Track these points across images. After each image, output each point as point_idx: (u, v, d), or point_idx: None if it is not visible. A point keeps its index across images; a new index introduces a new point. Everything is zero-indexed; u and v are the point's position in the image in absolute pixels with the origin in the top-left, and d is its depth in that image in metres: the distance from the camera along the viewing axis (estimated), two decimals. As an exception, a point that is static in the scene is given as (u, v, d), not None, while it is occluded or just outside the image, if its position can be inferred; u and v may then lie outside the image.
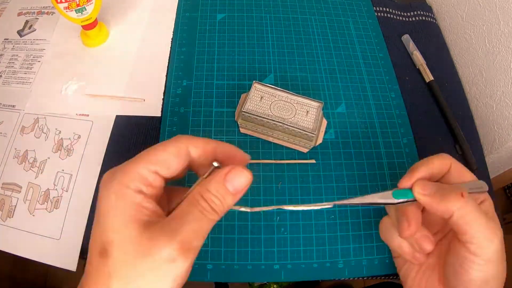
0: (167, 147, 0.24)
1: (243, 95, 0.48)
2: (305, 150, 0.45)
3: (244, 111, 0.43)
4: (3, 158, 0.44)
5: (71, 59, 0.51)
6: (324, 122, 0.47)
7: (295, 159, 0.45)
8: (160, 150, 0.24)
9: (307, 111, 0.44)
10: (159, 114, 0.47)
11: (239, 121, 0.45)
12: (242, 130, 0.46)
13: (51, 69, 0.50)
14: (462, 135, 0.47)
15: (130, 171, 0.22)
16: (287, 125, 0.43)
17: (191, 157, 0.25)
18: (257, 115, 0.43)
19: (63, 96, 0.48)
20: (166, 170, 0.23)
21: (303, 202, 0.42)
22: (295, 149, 0.45)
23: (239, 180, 0.23)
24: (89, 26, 0.49)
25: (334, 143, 0.46)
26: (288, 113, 0.44)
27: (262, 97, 0.45)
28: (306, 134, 0.43)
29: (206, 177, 0.24)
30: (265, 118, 0.43)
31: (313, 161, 0.45)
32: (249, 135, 0.46)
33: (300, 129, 0.42)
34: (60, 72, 0.50)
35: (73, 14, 0.46)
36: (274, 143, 0.45)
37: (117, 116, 0.47)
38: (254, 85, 0.45)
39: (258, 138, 0.46)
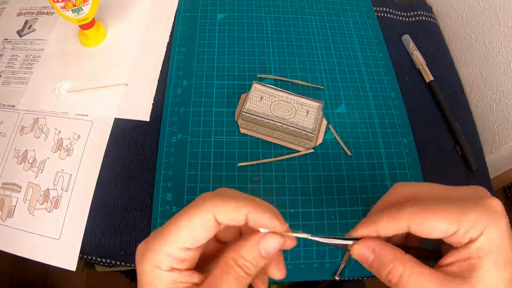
0: (192, 219, 0.23)
1: (243, 95, 0.48)
2: (306, 151, 0.45)
3: (244, 111, 0.43)
4: (2, 158, 0.44)
5: (67, 59, 0.51)
6: (324, 122, 0.47)
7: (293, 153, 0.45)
8: (184, 223, 0.23)
9: (307, 111, 0.44)
10: (147, 119, 0.47)
11: (239, 121, 0.45)
12: (242, 131, 0.46)
13: (46, 68, 0.50)
14: (462, 135, 0.47)
15: (160, 250, 0.22)
16: (287, 125, 0.42)
17: (220, 224, 0.23)
18: (257, 115, 0.43)
19: (56, 95, 0.48)
20: (197, 243, 0.23)
21: (302, 202, 0.42)
22: (295, 149, 0.45)
23: (272, 244, 0.23)
24: (86, 26, 0.49)
25: (334, 143, 0.46)
26: (288, 113, 0.44)
27: (262, 97, 0.45)
28: (306, 134, 0.43)
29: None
30: (265, 118, 0.43)
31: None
32: (249, 135, 0.46)
33: (300, 129, 0.42)
34: (55, 71, 0.50)
35: (69, 13, 0.46)
36: (274, 143, 0.45)
37: (116, 118, 0.47)
38: (254, 85, 0.45)
39: (258, 138, 0.46)
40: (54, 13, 0.56)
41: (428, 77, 0.52)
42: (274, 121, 0.43)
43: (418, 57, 0.53)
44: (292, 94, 0.45)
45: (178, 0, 0.58)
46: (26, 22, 0.55)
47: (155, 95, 0.49)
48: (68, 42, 0.53)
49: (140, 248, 0.23)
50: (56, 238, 0.40)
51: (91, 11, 0.47)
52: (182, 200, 0.42)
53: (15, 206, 0.41)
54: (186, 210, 0.23)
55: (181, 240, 0.22)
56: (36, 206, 0.41)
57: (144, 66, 0.51)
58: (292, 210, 0.42)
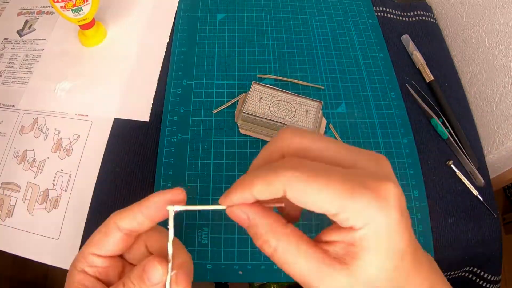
0: (100, 227, 0.24)
1: (241, 96, 0.48)
2: None
3: (244, 112, 0.43)
4: (2, 158, 0.44)
5: (67, 59, 0.51)
6: (324, 121, 0.47)
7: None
8: (96, 231, 0.24)
9: (307, 111, 0.44)
10: (147, 119, 0.47)
11: (239, 122, 0.45)
12: (242, 131, 0.46)
13: (46, 68, 0.50)
14: (463, 135, 0.47)
15: (81, 252, 0.24)
16: (287, 125, 0.42)
17: (129, 231, 0.23)
18: (256, 116, 0.43)
19: (56, 95, 0.48)
20: (104, 250, 0.24)
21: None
22: None
23: (154, 275, 0.21)
24: (86, 26, 0.49)
25: (334, 143, 0.46)
26: (287, 113, 0.44)
27: (261, 98, 0.45)
28: None
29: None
30: (265, 118, 0.43)
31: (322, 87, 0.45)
32: (249, 136, 0.46)
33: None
34: (55, 71, 0.50)
35: (69, 13, 0.46)
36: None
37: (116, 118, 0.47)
38: (253, 85, 0.45)
39: (258, 139, 0.46)
40: (54, 13, 0.56)
41: (429, 77, 0.52)
42: (273, 121, 0.43)
43: (418, 57, 0.53)
44: (291, 94, 0.45)
45: (178, 0, 0.58)
46: (26, 22, 0.55)
47: (155, 95, 0.49)
48: (68, 42, 0.53)
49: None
50: (55, 238, 0.39)
51: (91, 11, 0.47)
52: (182, 200, 0.41)
53: (14, 206, 0.41)
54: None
55: (91, 244, 0.24)
56: (36, 206, 0.41)
57: (143, 66, 0.51)
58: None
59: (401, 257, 0.19)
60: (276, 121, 0.43)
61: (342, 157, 0.20)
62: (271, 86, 0.45)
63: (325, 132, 0.46)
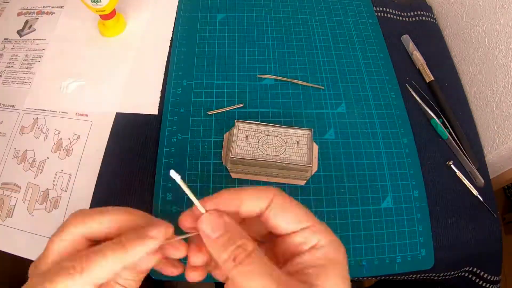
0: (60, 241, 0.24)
1: (225, 135, 0.45)
2: (302, 182, 0.43)
3: (232, 157, 0.40)
4: (2, 158, 0.44)
5: (71, 58, 0.51)
6: (315, 147, 0.45)
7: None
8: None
9: (297, 142, 0.41)
10: (156, 112, 0.47)
11: (229, 166, 0.42)
12: (233, 175, 0.43)
13: (51, 67, 0.50)
14: (463, 135, 0.47)
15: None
16: (279, 162, 0.40)
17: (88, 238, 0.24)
18: (246, 158, 0.40)
19: (63, 94, 0.48)
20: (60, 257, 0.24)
21: (303, 202, 0.42)
22: (292, 184, 0.43)
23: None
24: (106, 17, 0.50)
25: (334, 143, 0.46)
26: (278, 148, 0.41)
27: (247, 136, 0.41)
28: (302, 168, 0.40)
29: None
30: (256, 159, 0.40)
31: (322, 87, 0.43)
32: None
33: (294, 163, 0.40)
34: (59, 71, 0.50)
35: (89, 2, 0.47)
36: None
37: (117, 116, 0.47)
38: (237, 124, 0.42)
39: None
40: (54, 13, 0.56)
41: (429, 77, 0.52)
42: (265, 160, 0.40)
43: (418, 57, 0.53)
44: (278, 126, 0.42)
45: (178, 0, 0.58)
46: (27, 22, 0.55)
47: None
48: (72, 42, 0.53)
49: None
50: (56, 238, 0.39)
51: (109, 4, 0.48)
52: (182, 200, 0.41)
53: (14, 206, 0.41)
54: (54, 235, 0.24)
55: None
56: (36, 206, 0.41)
57: (150, 60, 0.51)
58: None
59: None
60: (268, 160, 0.40)
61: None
62: (256, 122, 0.42)
63: (325, 133, 0.46)
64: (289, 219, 0.23)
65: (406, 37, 0.56)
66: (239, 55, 0.52)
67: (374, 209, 0.42)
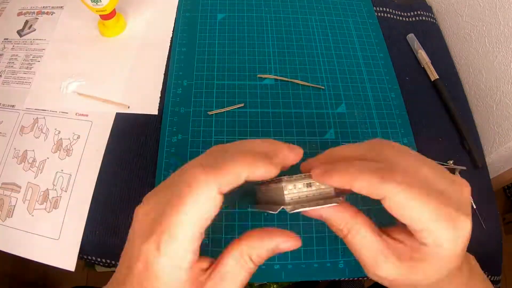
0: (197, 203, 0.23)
1: None
2: None
3: None
4: (2, 158, 0.44)
5: (71, 58, 0.51)
6: None
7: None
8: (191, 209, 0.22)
9: None
10: (156, 112, 0.47)
11: None
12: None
13: (51, 67, 0.50)
14: (468, 132, 0.47)
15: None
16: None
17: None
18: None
19: (63, 94, 0.48)
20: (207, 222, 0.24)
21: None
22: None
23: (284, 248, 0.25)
24: (105, 17, 0.50)
25: (334, 143, 0.46)
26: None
27: None
28: None
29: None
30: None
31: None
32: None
33: None
34: (59, 71, 0.50)
35: (89, 2, 0.47)
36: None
37: (117, 116, 0.47)
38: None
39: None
40: (54, 13, 0.56)
41: (433, 75, 0.52)
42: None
43: (423, 56, 0.53)
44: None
45: (178, 0, 0.58)
46: (27, 22, 0.55)
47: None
48: (72, 40, 0.53)
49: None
50: (55, 239, 0.39)
51: (109, 5, 0.48)
52: (182, 200, 0.41)
53: (14, 206, 0.41)
54: (182, 197, 0.22)
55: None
56: (36, 206, 0.41)
57: (149, 60, 0.51)
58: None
59: (448, 278, 0.24)
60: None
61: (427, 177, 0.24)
62: None
63: (326, 133, 0.46)
64: (409, 218, 0.22)
65: (412, 36, 0.56)
66: (239, 55, 0.52)
67: (374, 209, 0.42)
